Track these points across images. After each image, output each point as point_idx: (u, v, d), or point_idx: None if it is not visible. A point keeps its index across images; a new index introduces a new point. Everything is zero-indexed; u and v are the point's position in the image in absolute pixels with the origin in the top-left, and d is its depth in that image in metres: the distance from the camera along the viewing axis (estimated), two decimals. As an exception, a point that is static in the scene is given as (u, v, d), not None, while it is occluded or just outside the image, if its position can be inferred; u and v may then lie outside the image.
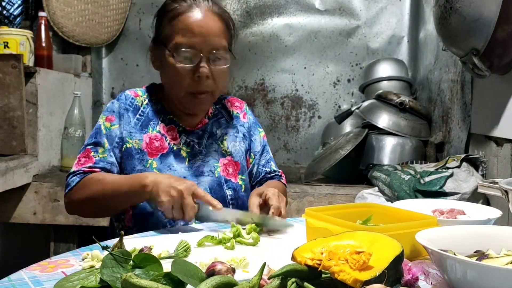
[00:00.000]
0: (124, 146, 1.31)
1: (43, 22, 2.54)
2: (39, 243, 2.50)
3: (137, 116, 1.34)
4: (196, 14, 1.28)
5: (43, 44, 2.51)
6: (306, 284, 0.74)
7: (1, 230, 2.62)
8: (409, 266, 0.78)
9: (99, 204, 1.25)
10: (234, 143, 1.43)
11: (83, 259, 0.93)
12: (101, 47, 3.07)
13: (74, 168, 1.29)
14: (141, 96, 1.38)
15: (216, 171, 1.36)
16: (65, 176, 2.31)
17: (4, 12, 3.46)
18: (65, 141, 2.46)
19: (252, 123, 1.51)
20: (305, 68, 3.10)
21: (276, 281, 0.71)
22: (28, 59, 2.37)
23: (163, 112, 1.37)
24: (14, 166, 2.08)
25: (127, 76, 3.10)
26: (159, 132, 1.34)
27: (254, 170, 1.48)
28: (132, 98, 1.36)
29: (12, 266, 0.99)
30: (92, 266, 0.85)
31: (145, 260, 0.78)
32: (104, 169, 1.28)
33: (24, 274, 0.86)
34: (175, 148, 1.34)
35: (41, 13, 2.58)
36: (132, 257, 0.79)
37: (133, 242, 1.01)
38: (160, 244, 0.98)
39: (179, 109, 1.37)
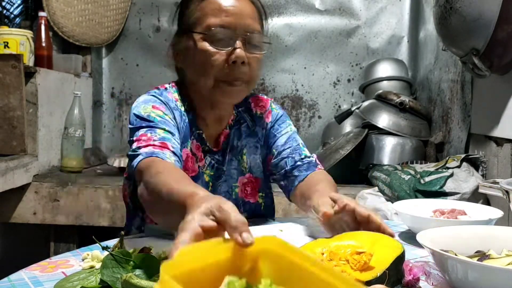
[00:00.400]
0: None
1: (43, 22, 2.54)
2: (39, 243, 2.50)
3: (182, 123, 1.18)
4: None
5: (43, 44, 2.51)
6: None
7: (1, 230, 2.61)
8: (410, 267, 0.78)
9: (153, 204, 0.95)
10: (254, 156, 1.29)
11: (83, 259, 0.93)
12: (101, 47, 3.07)
13: (134, 147, 1.05)
14: (179, 101, 1.19)
15: (234, 193, 1.26)
16: (65, 176, 2.34)
17: (4, 12, 3.46)
18: (65, 141, 2.46)
19: (278, 118, 1.33)
20: (305, 68, 3.10)
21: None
22: (28, 59, 2.37)
23: (194, 124, 1.21)
24: (14, 166, 2.08)
25: (127, 76, 3.10)
26: (191, 150, 1.20)
27: (281, 163, 1.28)
28: (175, 102, 1.19)
29: (12, 266, 0.99)
30: (92, 267, 0.85)
31: (145, 260, 0.78)
32: (164, 146, 1.03)
33: (24, 274, 0.86)
34: (200, 171, 1.21)
35: (41, 13, 2.58)
36: (132, 257, 0.79)
37: (133, 243, 1.01)
38: (161, 244, 0.98)
39: (206, 114, 1.21)
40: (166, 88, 1.22)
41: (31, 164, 2.25)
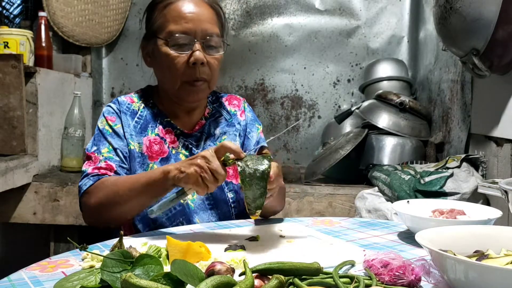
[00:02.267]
0: (129, 146, 1.30)
1: (43, 22, 2.54)
2: (39, 243, 2.50)
3: (135, 119, 1.33)
4: (187, 2, 1.28)
5: (43, 44, 2.51)
6: (298, 281, 0.75)
7: (1, 230, 2.61)
8: (412, 267, 0.78)
9: (116, 206, 1.18)
10: (235, 142, 1.40)
11: (83, 259, 0.93)
12: (101, 47, 3.07)
13: (84, 169, 1.26)
14: (137, 102, 1.36)
15: None
16: (65, 176, 2.33)
17: (4, 12, 3.46)
18: (65, 141, 2.46)
19: (250, 120, 1.47)
20: (305, 68, 3.10)
21: (274, 281, 0.72)
22: (28, 59, 2.37)
23: (159, 115, 1.36)
24: (14, 166, 2.08)
25: (127, 76, 3.10)
26: (158, 135, 1.33)
27: None
28: (128, 104, 1.35)
29: (12, 266, 0.99)
30: (92, 266, 0.85)
31: (145, 260, 0.78)
32: (109, 167, 1.24)
33: (24, 274, 0.86)
34: (174, 152, 1.32)
35: (41, 13, 2.58)
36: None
37: (133, 242, 1.01)
38: (156, 243, 0.98)
39: (176, 108, 1.35)
40: (127, 94, 1.39)
41: (31, 164, 2.25)
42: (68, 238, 0.90)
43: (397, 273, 0.77)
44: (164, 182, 1.11)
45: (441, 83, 2.46)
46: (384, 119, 2.46)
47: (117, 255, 0.78)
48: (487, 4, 1.55)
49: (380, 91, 2.62)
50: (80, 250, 0.82)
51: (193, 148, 1.35)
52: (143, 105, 1.36)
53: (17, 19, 3.45)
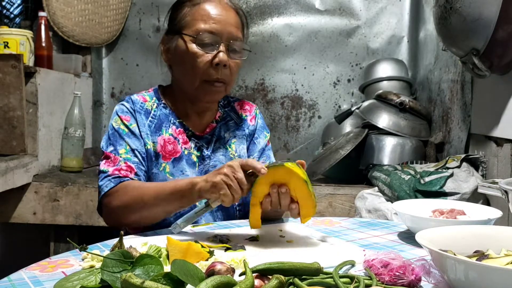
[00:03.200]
0: (146, 146, 1.30)
1: (43, 22, 2.54)
2: (39, 243, 2.50)
3: (150, 118, 1.33)
4: (216, 5, 1.31)
5: (43, 44, 2.51)
6: (298, 281, 0.75)
7: (1, 230, 2.62)
8: (413, 267, 0.78)
9: (140, 211, 1.18)
10: (242, 146, 1.42)
11: (83, 259, 0.93)
12: (101, 47, 3.07)
13: (103, 168, 1.25)
14: (149, 101, 1.36)
15: None
16: (65, 176, 2.34)
17: (4, 11, 3.46)
18: (65, 141, 2.46)
19: (260, 126, 1.48)
20: (305, 68, 3.10)
21: (274, 281, 0.72)
22: (28, 59, 2.37)
23: (172, 115, 1.36)
24: (14, 166, 2.08)
25: (127, 76, 3.10)
26: (172, 134, 1.33)
27: None
28: (142, 103, 1.35)
29: (12, 266, 0.99)
30: (92, 266, 0.85)
31: (145, 260, 0.78)
32: (130, 169, 1.24)
33: (24, 274, 0.86)
34: (186, 152, 1.33)
35: (41, 13, 2.58)
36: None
37: (134, 242, 1.01)
38: (156, 243, 0.98)
39: (188, 110, 1.36)
40: (139, 92, 1.39)
41: (31, 164, 2.25)
42: (68, 238, 0.91)
43: (397, 273, 0.77)
44: (190, 194, 1.12)
45: (441, 83, 2.46)
46: (384, 119, 2.46)
47: (117, 255, 0.78)
48: (487, 4, 1.55)
49: (380, 91, 2.62)
50: (80, 251, 0.82)
51: (204, 150, 1.35)
52: (155, 104, 1.36)
53: (17, 19, 3.45)
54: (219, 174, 1.07)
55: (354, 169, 2.43)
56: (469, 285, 0.71)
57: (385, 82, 2.81)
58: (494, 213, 1.09)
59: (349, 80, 3.10)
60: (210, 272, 0.75)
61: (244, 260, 0.76)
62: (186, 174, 1.31)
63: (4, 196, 2.11)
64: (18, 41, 2.32)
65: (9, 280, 0.83)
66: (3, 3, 3.37)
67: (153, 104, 1.36)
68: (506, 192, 1.01)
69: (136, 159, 1.26)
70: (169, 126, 1.34)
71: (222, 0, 1.32)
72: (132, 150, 1.27)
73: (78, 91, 2.52)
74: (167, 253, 0.90)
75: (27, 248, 2.55)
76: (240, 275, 0.76)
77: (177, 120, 1.36)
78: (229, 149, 1.39)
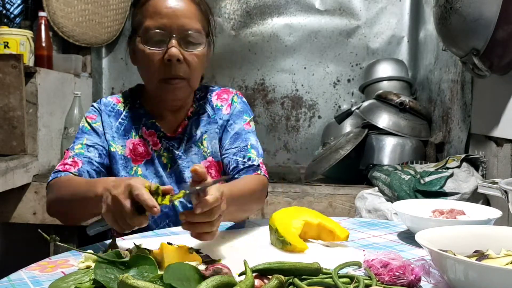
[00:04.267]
0: (110, 148, 1.28)
1: (43, 22, 2.54)
2: (39, 243, 2.49)
3: (119, 120, 1.31)
4: None
5: (43, 44, 2.51)
6: (297, 281, 0.75)
7: (1, 230, 2.61)
8: (412, 267, 0.78)
9: (65, 208, 1.16)
10: (214, 141, 1.34)
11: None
12: (101, 47, 3.07)
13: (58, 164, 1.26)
14: (123, 102, 1.34)
15: None
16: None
17: (4, 11, 3.46)
18: (65, 141, 2.46)
19: (237, 111, 1.36)
20: (305, 68, 3.10)
21: (274, 281, 0.72)
22: (28, 59, 2.37)
23: (145, 115, 1.32)
24: (14, 166, 2.08)
25: (127, 76, 3.10)
26: (142, 137, 1.30)
27: (225, 161, 1.32)
28: (114, 104, 1.33)
29: (12, 266, 0.99)
30: (88, 267, 0.85)
31: (139, 260, 0.78)
32: (75, 164, 1.20)
33: (23, 274, 0.86)
34: (156, 154, 1.30)
35: (41, 13, 2.58)
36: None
37: (127, 243, 1.01)
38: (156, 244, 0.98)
39: (161, 109, 1.31)
40: (113, 94, 1.35)
41: (31, 164, 2.25)
42: (39, 230, 0.88)
43: (397, 273, 0.77)
44: (96, 206, 0.97)
45: (441, 83, 2.46)
46: (384, 119, 2.46)
47: (110, 256, 0.78)
48: (487, 4, 1.55)
49: (380, 91, 2.62)
50: (50, 242, 0.82)
51: (175, 150, 1.31)
52: (129, 105, 1.33)
53: (17, 19, 3.45)
54: (105, 204, 0.91)
55: (354, 169, 2.43)
56: (469, 285, 0.71)
57: (385, 82, 2.81)
58: (494, 213, 1.09)
59: (349, 80, 3.10)
60: (214, 272, 0.75)
61: (244, 260, 0.76)
62: (159, 175, 1.28)
63: (4, 196, 2.11)
64: (18, 41, 2.32)
65: (9, 280, 0.83)
66: (4, 3, 3.37)
67: (126, 105, 1.33)
68: (506, 192, 1.01)
69: (89, 154, 1.23)
70: (140, 128, 1.31)
71: None
72: (88, 146, 1.25)
73: (78, 91, 2.52)
74: (155, 258, 0.85)
75: (27, 248, 2.55)
76: (240, 275, 0.76)
77: (150, 121, 1.32)
78: (201, 146, 1.33)
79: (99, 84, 3.10)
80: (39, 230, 0.88)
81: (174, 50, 1.19)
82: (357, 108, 2.63)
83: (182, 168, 1.30)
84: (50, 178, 1.22)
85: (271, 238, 1.05)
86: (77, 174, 1.20)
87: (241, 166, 1.29)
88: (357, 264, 0.88)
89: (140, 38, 1.23)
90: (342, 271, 0.84)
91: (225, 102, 1.38)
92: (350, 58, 3.09)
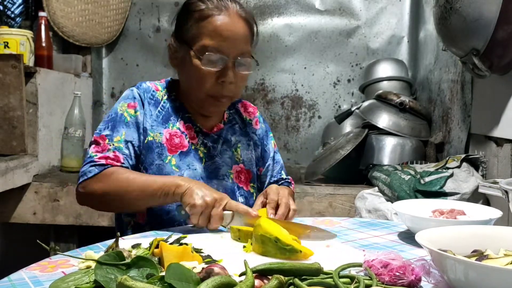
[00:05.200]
0: (147, 138, 1.27)
1: (43, 22, 2.54)
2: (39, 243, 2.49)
3: (158, 109, 1.31)
4: (225, 18, 1.23)
5: (43, 44, 2.51)
6: (298, 281, 0.75)
7: (1, 230, 2.61)
8: (412, 267, 0.78)
9: (121, 200, 1.18)
10: (246, 152, 1.42)
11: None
12: (101, 47, 3.07)
13: (90, 152, 1.23)
14: (161, 91, 1.34)
15: (230, 177, 1.35)
16: (65, 176, 2.33)
17: (5, 11, 3.46)
18: (65, 141, 2.46)
19: (265, 131, 1.49)
20: (305, 68, 3.10)
21: (274, 281, 0.72)
22: (28, 59, 2.37)
23: (182, 109, 1.34)
24: (14, 166, 2.08)
25: (127, 76, 3.10)
26: (179, 129, 1.32)
27: (266, 181, 1.47)
28: (153, 91, 1.33)
29: (12, 266, 0.99)
30: (88, 267, 0.85)
31: (139, 261, 0.78)
32: (117, 158, 1.21)
33: (24, 274, 0.86)
34: (193, 147, 1.32)
35: (41, 13, 2.58)
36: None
37: (129, 243, 1.01)
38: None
39: (196, 109, 1.34)
40: (152, 81, 1.37)
41: (31, 164, 2.25)
42: (38, 241, 0.90)
43: (397, 273, 0.77)
44: (173, 195, 1.13)
45: (441, 83, 2.46)
46: (384, 119, 2.46)
47: (111, 256, 0.78)
48: (487, 4, 1.55)
49: (380, 91, 2.62)
50: (50, 251, 0.82)
51: (211, 148, 1.35)
52: (166, 95, 1.34)
53: (17, 19, 3.45)
54: (202, 199, 1.08)
55: (354, 169, 2.43)
56: (469, 285, 0.71)
57: (385, 82, 2.81)
58: (494, 213, 1.09)
59: (349, 80, 3.10)
60: (207, 272, 0.74)
61: (244, 260, 0.76)
62: (193, 168, 1.29)
63: (4, 196, 2.11)
64: (18, 41, 2.32)
65: (9, 280, 0.83)
66: (4, 3, 3.37)
67: (164, 95, 1.34)
68: (506, 192, 1.01)
69: (127, 151, 1.23)
70: (177, 120, 1.32)
71: (232, 10, 1.24)
72: (126, 142, 1.24)
73: (78, 91, 2.52)
74: (157, 258, 0.87)
75: (27, 248, 2.55)
76: (240, 275, 0.76)
77: (186, 115, 1.34)
78: (235, 153, 1.39)
79: (99, 84, 3.10)
80: (38, 241, 0.89)
81: (230, 74, 1.24)
82: (357, 108, 2.63)
83: (219, 165, 1.34)
84: (92, 170, 1.19)
85: (265, 249, 0.96)
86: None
87: (280, 181, 1.48)
88: (358, 265, 0.88)
89: (195, 54, 1.24)
90: (343, 272, 0.83)
91: (252, 116, 1.48)
92: (350, 58, 3.09)
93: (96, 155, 1.21)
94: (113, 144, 1.22)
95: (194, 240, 1.01)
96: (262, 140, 1.47)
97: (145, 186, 1.15)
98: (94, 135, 1.26)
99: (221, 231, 1.12)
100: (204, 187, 1.12)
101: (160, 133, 1.29)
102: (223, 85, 1.25)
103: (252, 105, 1.51)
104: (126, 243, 1.01)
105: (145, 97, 1.30)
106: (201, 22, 1.24)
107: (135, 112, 1.27)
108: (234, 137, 1.40)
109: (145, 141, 1.27)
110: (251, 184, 1.40)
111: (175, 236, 1.05)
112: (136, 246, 0.95)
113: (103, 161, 1.20)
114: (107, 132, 1.24)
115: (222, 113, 1.40)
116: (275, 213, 1.17)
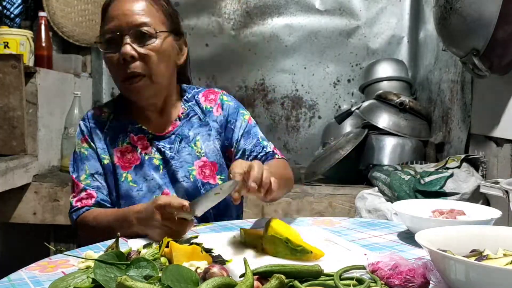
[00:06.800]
0: (103, 162, 1.30)
1: (43, 22, 2.54)
2: (39, 243, 2.49)
3: (105, 131, 1.32)
4: (117, 3, 1.24)
5: (43, 44, 2.51)
6: (297, 283, 0.74)
7: (1, 230, 2.61)
8: (422, 270, 0.77)
9: (108, 234, 1.12)
10: (208, 143, 1.35)
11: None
12: (101, 47, 3.06)
13: (70, 199, 1.30)
14: (107, 112, 1.35)
15: (191, 176, 1.31)
16: (65, 176, 2.33)
17: (4, 11, 3.46)
18: (65, 141, 2.46)
19: (232, 109, 1.38)
20: (305, 68, 3.10)
21: (275, 281, 0.71)
22: (28, 59, 2.37)
23: (130, 122, 1.32)
24: (14, 166, 2.08)
25: (127, 76, 3.10)
26: (130, 143, 1.31)
27: (240, 157, 1.34)
28: (97, 116, 1.34)
29: (12, 266, 0.99)
30: (88, 267, 0.85)
31: (139, 261, 0.78)
32: (90, 196, 1.26)
33: (24, 274, 0.86)
34: (146, 157, 1.30)
35: (41, 13, 2.58)
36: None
37: (134, 243, 1.01)
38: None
39: (146, 112, 1.31)
40: (112, 95, 1.37)
41: (31, 164, 2.25)
42: (45, 243, 0.91)
43: (407, 277, 0.77)
44: (132, 231, 1.11)
45: (441, 83, 2.46)
46: (384, 119, 2.46)
47: (110, 256, 0.78)
48: (487, 4, 1.55)
49: (380, 91, 2.62)
50: (56, 253, 0.82)
51: (166, 152, 1.31)
52: (113, 115, 1.34)
53: (17, 19, 3.45)
54: (153, 225, 1.04)
55: (354, 169, 2.43)
56: (468, 285, 0.71)
57: (385, 82, 2.81)
58: (494, 213, 1.09)
59: (349, 80, 3.10)
60: (206, 274, 0.74)
61: (244, 259, 0.75)
62: (150, 179, 1.28)
63: (4, 196, 2.11)
64: (18, 41, 2.32)
65: (9, 280, 0.83)
66: (4, 3, 3.38)
67: (110, 115, 1.34)
68: (507, 192, 1.01)
69: (96, 183, 1.28)
70: (127, 135, 1.31)
71: None
72: (92, 175, 1.28)
73: (78, 91, 2.52)
74: (166, 257, 0.88)
75: (27, 248, 2.55)
76: (240, 276, 0.76)
77: (136, 126, 1.32)
78: (194, 147, 1.33)
79: (99, 84, 3.10)
80: (46, 243, 0.94)
81: (125, 48, 1.19)
82: (357, 108, 2.63)
83: (176, 168, 1.30)
84: (74, 216, 1.26)
85: (275, 250, 0.96)
86: (96, 206, 1.27)
87: (259, 156, 1.34)
88: (361, 268, 0.87)
89: (100, 44, 1.25)
90: (345, 275, 0.83)
91: (213, 103, 1.39)
92: (350, 58, 3.09)
93: (72, 201, 1.28)
94: (82, 183, 1.28)
95: (205, 239, 1.00)
96: (227, 121, 1.37)
97: (110, 222, 1.17)
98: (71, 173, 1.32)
99: (233, 230, 1.12)
100: (143, 216, 1.07)
101: (111, 154, 1.30)
102: (126, 64, 1.21)
103: (216, 90, 1.42)
104: (136, 243, 1.01)
105: (90, 126, 1.32)
106: (103, 17, 1.27)
107: (88, 144, 1.31)
108: (192, 131, 1.34)
109: (103, 165, 1.30)
110: (219, 177, 1.34)
111: (186, 236, 1.05)
112: (147, 246, 0.95)
113: (78, 205, 1.26)
114: (75, 174, 1.30)
115: (171, 101, 1.34)
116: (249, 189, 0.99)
